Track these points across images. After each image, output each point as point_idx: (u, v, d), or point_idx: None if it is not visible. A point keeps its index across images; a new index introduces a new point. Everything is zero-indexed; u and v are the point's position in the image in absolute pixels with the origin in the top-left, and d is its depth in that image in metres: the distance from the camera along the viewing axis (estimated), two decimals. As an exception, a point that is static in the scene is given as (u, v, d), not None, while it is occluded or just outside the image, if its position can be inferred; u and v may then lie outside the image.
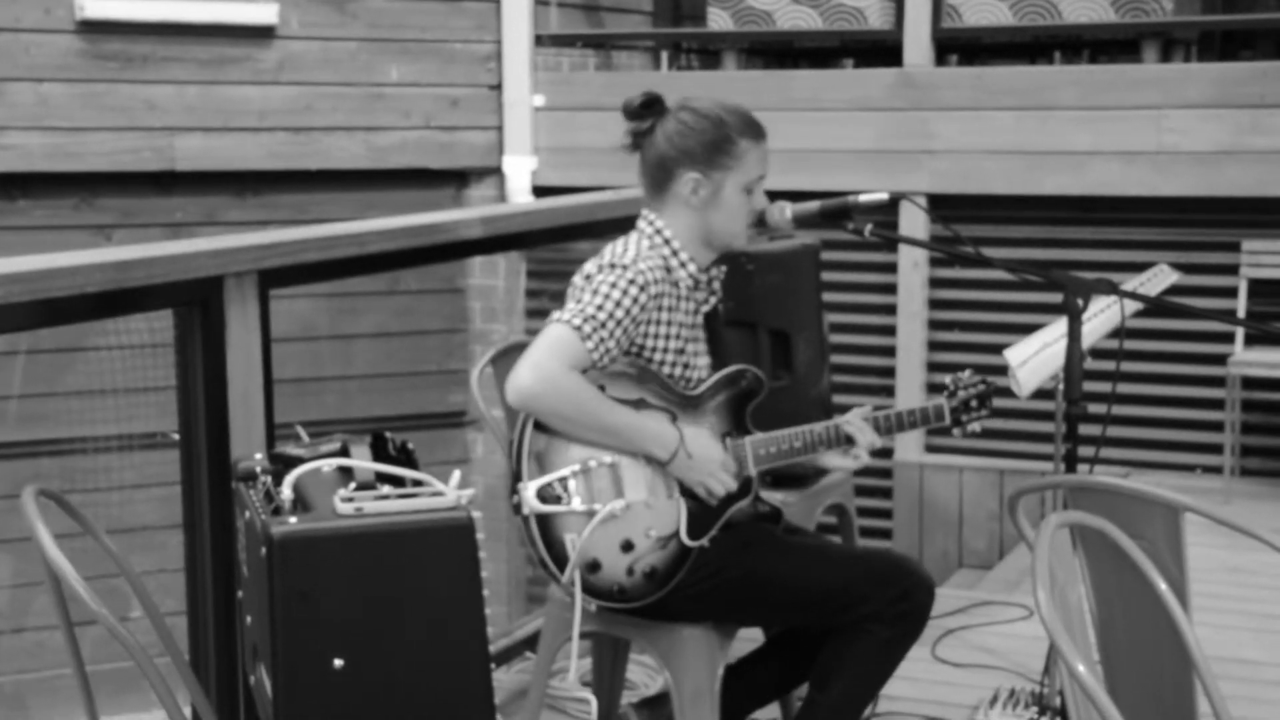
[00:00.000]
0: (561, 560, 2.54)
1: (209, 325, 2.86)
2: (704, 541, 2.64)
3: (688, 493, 2.63)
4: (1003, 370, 3.24)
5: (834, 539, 3.48)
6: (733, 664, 2.82)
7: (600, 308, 2.55)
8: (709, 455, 2.64)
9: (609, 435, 2.56)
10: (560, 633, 2.85)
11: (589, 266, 2.66)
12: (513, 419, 2.65)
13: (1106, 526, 2.05)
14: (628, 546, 2.57)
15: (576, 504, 2.54)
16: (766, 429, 2.76)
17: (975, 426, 2.85)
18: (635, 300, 2.57)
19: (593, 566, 2.55)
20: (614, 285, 2.57)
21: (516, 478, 2.56)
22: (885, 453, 5.86)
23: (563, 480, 2.55)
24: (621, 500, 2.56)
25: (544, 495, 2.54)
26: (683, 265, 2.71)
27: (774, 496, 2.86)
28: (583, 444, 2.57)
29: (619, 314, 2.55)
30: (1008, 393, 3.30)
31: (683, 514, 2.62)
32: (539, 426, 2.56)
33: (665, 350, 2.67)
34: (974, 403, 2.83)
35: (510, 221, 3.87)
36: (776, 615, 2.78)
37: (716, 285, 2.83)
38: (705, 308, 2.80)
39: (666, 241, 2.71)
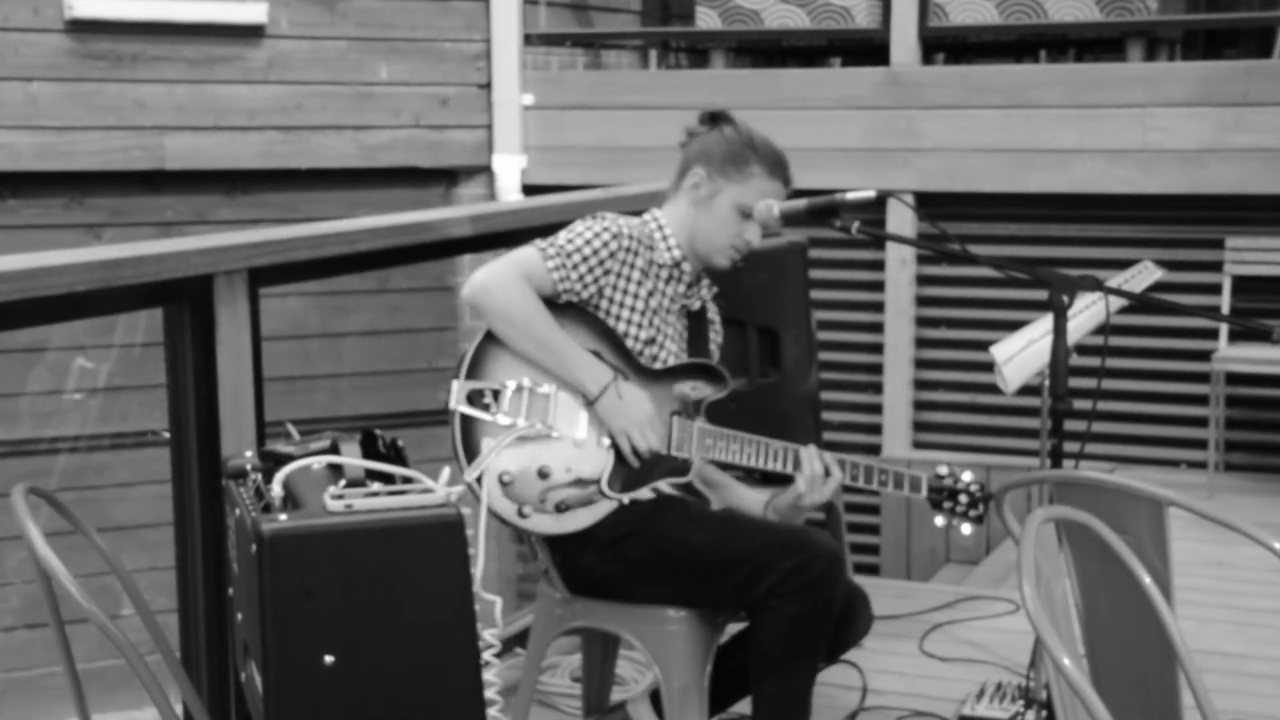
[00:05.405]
0: (473, 460, 2.58)
1: (199, 323, 2.87)
2: (624, 498, 2.66)
3: (619, 448, 2.67)
4: (989, 367, 3.26)
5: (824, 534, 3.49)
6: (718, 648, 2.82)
7: (570, 241, 2.66)
8: (640, 407, 2.67)
9: (546, 352, 2.62)
10: (549, 629, 2.87)
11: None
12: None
13: (1091, 521, 2.07)
14: (544, 474, 2.61)
15: (502, 418, 2.60)
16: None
17: (966, 529, 2.79)
18: (605, 245, 2.66)
19: (504, 480, 2.59)
20: (589, 227, 2.68)
21: (455, 375, 2.62)
22: (873, 450, 5.89)
23: (496, 392, 2.61)
24: (542, 425, 2.62)
25: (474, 400, 2.59)
26: (669, 249, 2.78)
27: (762, 494, 2.86)
28: (525, 365, 2.62)
29: (586, 250, 2.65)
30: (995, 391, 3.32)
31: (609, 465, 2.66)
32: (490, 339, 2.63)
33: (634, 309, 2.71)
34: (963, 499, 2.78)
35: (499, 220, 3.88)
36: (684, 585, 2.69)
37: (705, 292, 2.87)
38: (688, 302, 2.84)
39: (660, 226, 2.81)
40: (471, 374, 2.62)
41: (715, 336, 2.94)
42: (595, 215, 2.73)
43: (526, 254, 2.64)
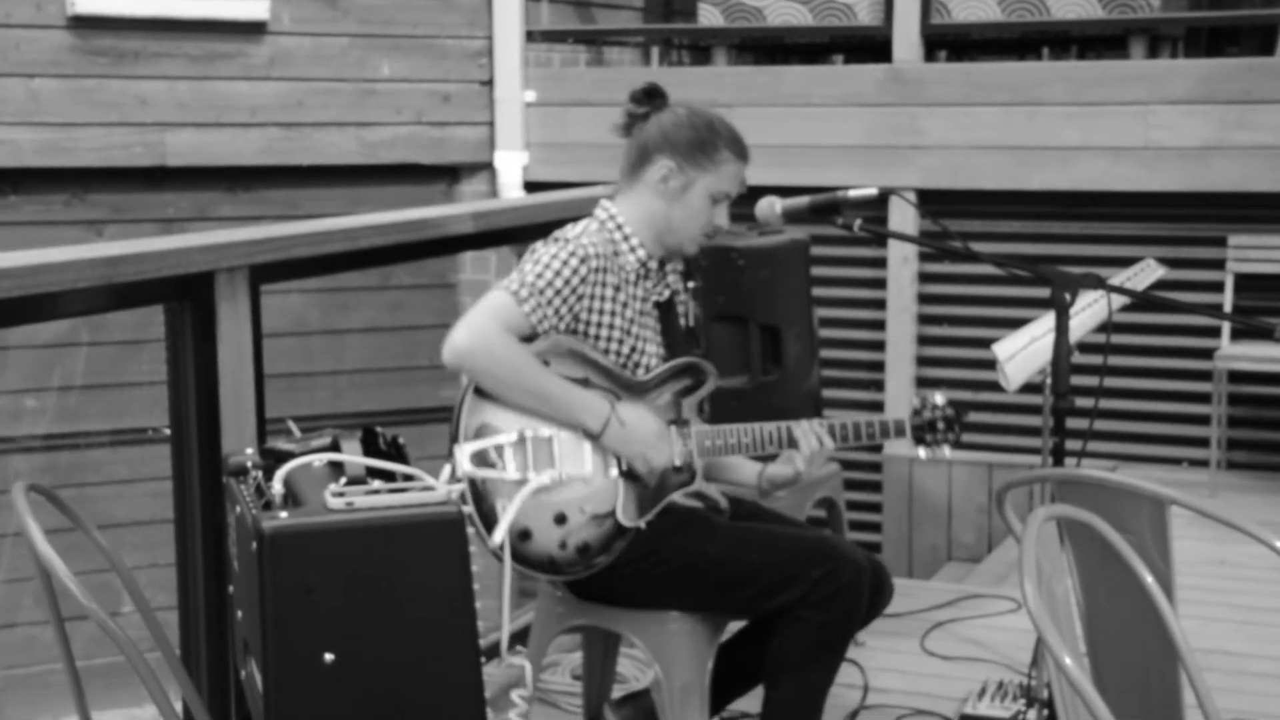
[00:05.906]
0: (491, 524, 2.55)
1: (200, 320, 2.87)
2: (641, 523, 2.66)
3: (627, 473, 2.65)
4: (991, 365, 3.25)
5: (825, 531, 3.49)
6: (719, 645, 2.82)
7: (539, 275, 2.60)
8: (645, 426, 2.66)
9: (540, 400, 2.59)
10: (550, 627, 2.86)
11: (536, 243, 2.71)
12: None
13: (1093, 520, 2.07)
14: (561, 519, 2.60)
15: (511, 472, 2.57)
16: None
17: (945, 451, 2.83)
18: (575, 271, 2.61)
19: (523, 535, 2.57)
20: (555, 256, 2.63)
21: (454, 440, 2.59)
22: (875, 447, 5.88)
23: (499, 448, 2.58)
24: (554, 471, 2.59)
25: (479, 460, 2.57)
26: (632, 250, 2.74)
27: (755, 465, 2.86)
28: (520, 413, 2.59)
29: (558, 283, 2.60)
30: (996, 387, 3.32)
31: (620, 493, 2.65)
32: (479, 393, 2.60)
33: (611, 327, 2.69)
34: (940, 425, 2.81)
35: (501, 217, 3.89)
36: (707, 597, 2.71)
37: (672, 279, 2.85)
38: (657, 297, 2.82)
39: (619, 227, 2.76)
40: (470, 433, 2.59)
41: (681, 308, 2.91)
42: (554, 239, 2.68)
43: (499, 301, 2.58)
